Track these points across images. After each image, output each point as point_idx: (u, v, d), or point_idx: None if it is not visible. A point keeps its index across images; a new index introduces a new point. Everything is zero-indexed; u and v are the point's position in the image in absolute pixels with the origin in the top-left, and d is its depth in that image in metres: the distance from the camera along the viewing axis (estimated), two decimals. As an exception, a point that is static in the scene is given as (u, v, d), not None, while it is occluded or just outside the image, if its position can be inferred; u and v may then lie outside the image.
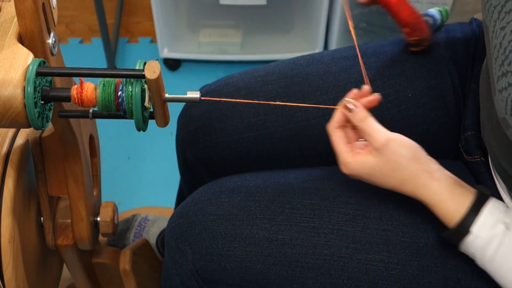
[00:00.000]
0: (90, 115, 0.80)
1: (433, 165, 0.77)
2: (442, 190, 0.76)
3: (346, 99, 0.80)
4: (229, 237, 0.88)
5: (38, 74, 0.72)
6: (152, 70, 0.72)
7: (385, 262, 0.83)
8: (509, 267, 0.73)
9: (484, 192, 0.76)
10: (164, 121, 0.79)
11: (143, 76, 0.72)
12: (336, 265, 0.84)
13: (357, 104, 0.79)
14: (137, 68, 0.73)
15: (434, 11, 0.95)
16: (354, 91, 0.80)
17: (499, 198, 0.84)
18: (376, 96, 0.80)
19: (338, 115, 0.80)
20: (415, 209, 0.85)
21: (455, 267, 0.82)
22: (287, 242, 0.86)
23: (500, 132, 0.74)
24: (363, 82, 0.96)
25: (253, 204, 0.89)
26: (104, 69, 0.75)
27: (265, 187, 0.90)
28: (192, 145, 1.04)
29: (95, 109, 0.79)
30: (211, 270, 0.88)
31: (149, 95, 0.75)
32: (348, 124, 0.80)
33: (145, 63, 0.72)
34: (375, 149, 0.77)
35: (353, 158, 0.78)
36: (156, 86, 0.73)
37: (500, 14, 0.67)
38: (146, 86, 0.75)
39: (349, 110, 0.79)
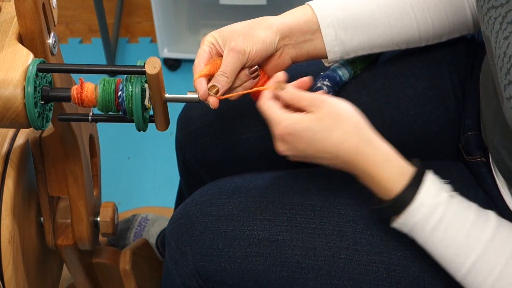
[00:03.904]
0: (90, 118, 0.80)
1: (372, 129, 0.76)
2: (385, 150, 0.75)
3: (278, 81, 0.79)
4: (230, 237, 0.87)
5: (38, 70, 0.72)
6: (153, 65, 0.72)
7: (385, 263, 0.83)
8: (451, 238, 0.72)
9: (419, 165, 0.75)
10: (164, 123, 0.79)
11: (144, 73, 0.72)
12: (337, 266, 0.84)
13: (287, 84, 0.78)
14: (137, 68, 0.73)
15: (339, 67, 0.93)
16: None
17: (500, 198, 0.84)
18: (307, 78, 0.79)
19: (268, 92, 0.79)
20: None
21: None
22: (288, 243, 0.86)
23: (507, 131, 0.74)
24: (363, 81, 0.96)
25: (253, 205, 0.89)
26: (104, 65, 0.75)
27: (265, 188, 0.90)
28: (191, 146, 1.04)
29: (95, 110, 0.79)
30: (212, 271, 0.88)
31: (149, 94, 0.75)
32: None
33: (145, 63, 0.72)
34: (314, 105, 0.74)
35: (289, 115, 0.75)
36: (157, 82, 0.73)
37: (502, 25, 0.67)
38: (146, 85, 0.75)
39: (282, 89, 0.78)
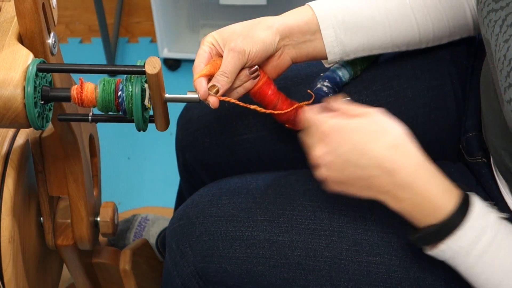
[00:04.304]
0: (90, 119, 0.80)
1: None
2: (432, 165, 0.71)
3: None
4: (230, 238, 0.87)
5: (38, 70, 0.72)
6: (153, 65, 0.72)
7: (386, 264, 0.83)
8: (500, 263, 0.69)
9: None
10: (164, 123, 0.79)
11: (144, 72, 0.72)
12: (337, 267, 0.84)
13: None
14: (137, 68, 0.73)
15: (339, 68, 0.93)
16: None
17: (501, 199, 0.84)
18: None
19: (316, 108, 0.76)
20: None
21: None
22: (288, 244, 0.85)
23: (508, 133, 0.74)
24: (364, 82, 0.96)
25: (253, 205, 0.89)
26: (104, 65, 0.75)
27: (266, 189, 0.90)
28: (191, 146, 1.04)
29: (95, 110, 0.79)
30: (212, 272, 0.88)
31: (149, 94, 0.75)
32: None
33: (145, 63, 0.72)
34: (361, 113, 0.71)
35: (336, 117, 0.72)
36: (157, 81, 0.73)
37: (502, 28, 0.67)
38: (146, 85, 0.75)
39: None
